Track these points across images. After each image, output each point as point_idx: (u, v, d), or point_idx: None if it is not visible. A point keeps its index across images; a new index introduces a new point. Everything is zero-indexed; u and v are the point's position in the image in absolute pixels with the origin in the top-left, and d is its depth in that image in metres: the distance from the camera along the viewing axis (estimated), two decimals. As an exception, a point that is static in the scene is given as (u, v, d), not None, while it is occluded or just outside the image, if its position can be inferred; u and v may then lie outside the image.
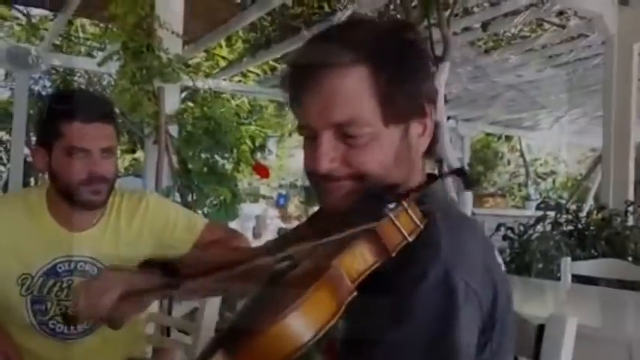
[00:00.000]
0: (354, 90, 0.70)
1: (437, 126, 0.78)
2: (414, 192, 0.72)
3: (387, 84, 0.71)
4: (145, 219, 1.43)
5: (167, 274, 0.89)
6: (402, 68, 0.72)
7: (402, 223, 0.64)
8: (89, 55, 7.31)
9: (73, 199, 1.31)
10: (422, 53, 0.77)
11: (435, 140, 0.78)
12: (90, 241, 1.37)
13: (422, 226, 0.65)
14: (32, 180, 8.46)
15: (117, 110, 1.42)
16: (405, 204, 0.65)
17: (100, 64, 3.00)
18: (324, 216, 0.81)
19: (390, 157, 0.73)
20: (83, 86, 8.10)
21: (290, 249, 0.66)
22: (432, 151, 0.79)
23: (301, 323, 0.55)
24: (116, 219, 1.41)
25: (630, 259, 3.09)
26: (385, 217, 0.63)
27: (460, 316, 0.64)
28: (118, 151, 1.42)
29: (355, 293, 0.61)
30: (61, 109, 1.30)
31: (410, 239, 0.64)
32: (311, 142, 0.74)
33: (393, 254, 0.63)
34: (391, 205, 0.64)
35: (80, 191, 1.30)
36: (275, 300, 0.61)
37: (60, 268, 1.34)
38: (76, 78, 8.22)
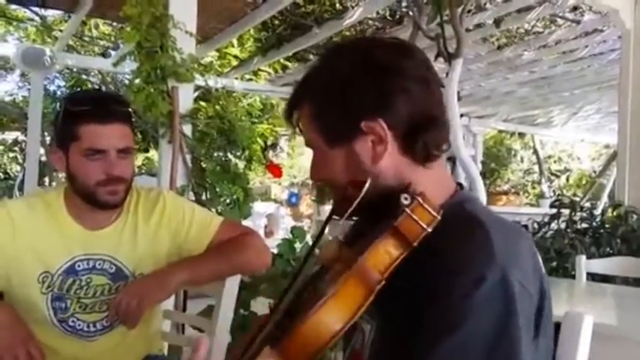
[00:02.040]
0: (304, 121, 0.86)
1: (414, 128, 0.79)
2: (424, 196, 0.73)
3: (319, 116, 0.84)
4: (162, 217, 1.44)
5: None
6: (327, 101, 0.83)
7: (419, 216, 0.69)
8: (103, 55, 7.37)
9: (91, 200, 1.34)
10: (345, 82, 0.80)
11: (417, 132, 0.80)
12: (108, 239, 1.39)
13: (439, 217, 0.70)
14: (47, 179, 8.56)
15: (131, 110, 1.42)
16: (419, 198, 0.70)
17: (115, 65, 3.02)
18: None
19: (340, 172, 0.83)
20: (97, 86, 8.17)
21: (317, 255, 0.75)
22: (416, 142, 0.80)
23: (333, 314, 0.61)
24: (134, 217, 1.43)
25: (647, 257, 3.05)
26: (402, 211, 0.69)
27: (519, 319, 0.67)
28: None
29: (384, 282, 0.66)
30: (77, 111, 1.31)
31: (429, 229, 0.69)
32: None
33: (415, 244, 0.68)
34: (406, 201, 0.69)
35: (98, 192, 1.32)
36: (311, 298, 0.66)
37: (79, 266, 1.37)
38: (90, 78, 8.29)
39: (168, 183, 2.47)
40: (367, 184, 0.76)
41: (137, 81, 2.58)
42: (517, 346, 0.67)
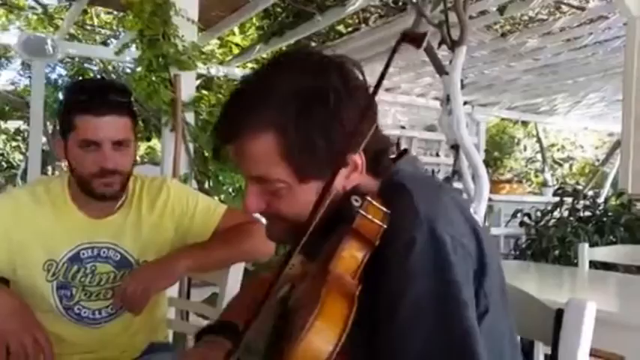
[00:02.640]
0: (263, 153, 0.75)
1: (382, 146, 0.81)
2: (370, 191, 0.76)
3: (293, 148, 0.74)
4: (166, 205, 1.44)
5: (227, 334, 0.93)
6: (309, 131, 0.73)
7: (373, 214, 0.69)
8: (104, 43, 7.35)
9: (88, 191, 1.33)
10: (340, 103, 0.74)
11: (379, 156, 0.80)
12: (112, 227, 1.39)
13: (389, 212, 0.70)
14: (50, 169, 8.58)
15: (133, 99, 1.39)
16: (368, 197, 0.70)
17: (117, 53, 3.02)
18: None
19: (309, 204, 0.72)
20: (99, 75, 8.15)
21: (281, 274, 0.70)
22: (380, 163, 0.81)
23: (324, 333, 0.58)
24: (137, 205, 1.42)
25: (649, 245, 3.05)
26: (356, 214, 0.68)
27: (455, 269, 0.68)
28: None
29: (360, 285, 0.65)
30: (75, 101, 1.30)
31: (384, 225, 0.68)
32: (246, 187, 0.83)
33: (377, 243, 0.68)
34: (357, 203, 0.69)
35: (93, 183, 1.31)
36: (294, 323, 0.63)
37: (83, 254, 1.37)
38: (91, 66, 8.28)
39: (171, 171, 2.48)
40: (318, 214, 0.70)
41: (139, 69, 2.58)
42: (461, 295, 0.67)
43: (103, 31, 7.45)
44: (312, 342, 0.57)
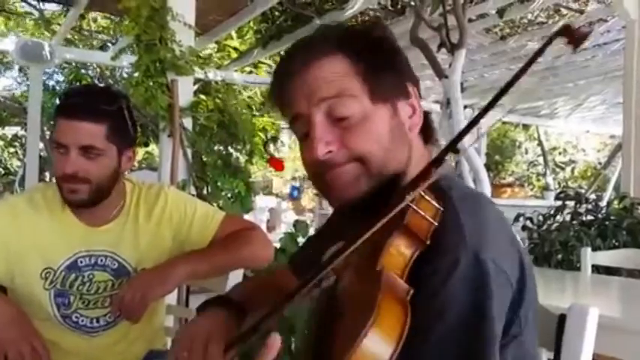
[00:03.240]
0: (335, 70, 0.75)
1: (427, 113, 0.82)
2: (422, 179, 0.69)
3: (366, 67, 0.75)
4: (164, 212, 1.43)
5: (232, 311, 0.91)
6: (376, 54, 0.77)
7: (424, 209, 0.64)
8: (101, 48, 7.34)
9: (61, 195, 1.32)
10: (394, 47, 0.81)
11: (428, 125, 0.83)
12: (109, 235, 1.38)
13: (442, 208, 0.65)
14: (48, 175, 8.56)
15: (123, 106, 1.35)
16: (421, 190, 0.64)
17: (113, 58, 3.00)
18: (340, 219, 0.82)
19: (385, 136, 0.74)
20: (96, 80, 8.14)
21: (327, 266, 0.63)
22: (431, 137, 0.83)
23: (380, 340, 0.53)
24: (135, 213, 1.41)
25: (652, 248, 3.02)
26: (407, 208, 0.63)
27: (493, 302, 0.64)
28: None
29: (412, 290, 0.60)
30: (59, 104, 1.32)
31: (436, 223, 0.64)
32: (307, 138, 0.76)
33: (428, 242, 0.63)
34: (409, 195, 0.63)
35: (61, 187, 1.30)
36: (344, 323, 0.58)
37: (81, 262, 1.36)
38: (89, 72, 8.27)
39: (169, 177, 2.46)
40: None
41: (136, 74, 2.56)
42: (492, 329, 0.64)
43: (100, 36, 7.44)
44: (368, 348, 0.52)
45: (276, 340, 0.55)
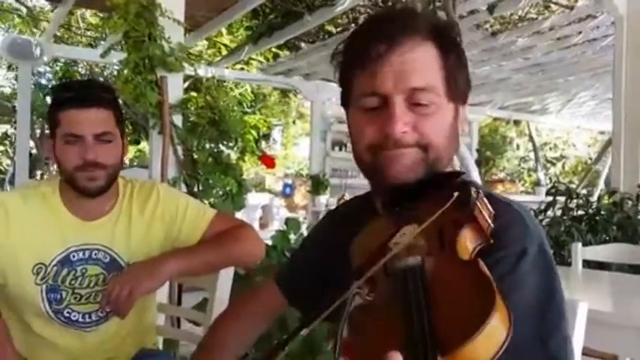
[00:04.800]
0: (429, 61, 0.78)
1: None
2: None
3: (450, 63, 0.79)
4: (156, 208, 1.44)
5: None
6: (459, 54, 0.82)
7: (484, 209, 0.68)
8: (90, 45, 7.28)
9: (74, 186, 1.34)
10: (463, 48, 0.85)
11: None
12: (102, 229, 1.39)
13: (493, 211, 0.69)
14: (38, 173, 8.50)
15: (119, 100, 1.43)
16: (480, 192, 0.69)
17: (102, 55, 2.96)
18: (389, 202, 0.81)
19: (448, 132, 0.80)
20: (86, 77, 8.09)
21: (402, 242, 0.66)
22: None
23: (499, 320, 0.55)
24: (128, 208, 1.43)
25: (642, 243, 3.05)
26: (473, 204, 0.67)
27: (558, 282, 0.73)
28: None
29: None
30: (59, 97, 1.34)
31: (492, 225, 0.68)
32: (376, 112, 0.78)
33: (491, 240, 0.68)
34: (475, 194, 0.68)
35: (77, 177, 1.32)
36: (448, 307, 0.58)
37: (74, 256, 1.36)
38: (78, 69, 8.21)
39: (160, 175, 2.44)
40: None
41: (125, 71, 2.54)
42: (563, 305, 0.73)
43: (89, 33, 7.38)
44: (492, 330, 0.54)
45: (398, 357, 0.52)
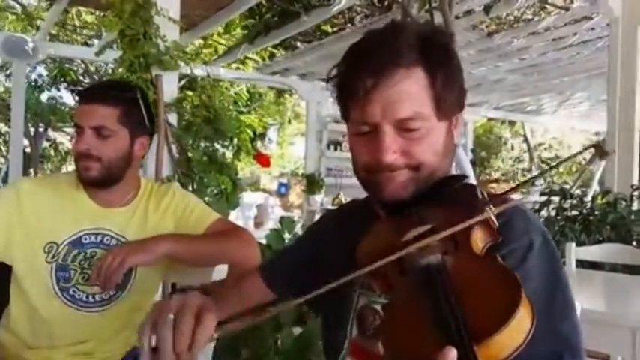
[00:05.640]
0: (416, 89, 0.79)
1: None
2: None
3: (439, 84, 0.80)
4: (170, 204, 1.54)
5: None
6: (449, 69, 0.83)
7: (488, 209, 0.73)
8: (86, 44, 7.25)
9: (78, 173, 1.43)
10: (455, 55, 0.86)
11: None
12: (120, 218, 1.48)
13: (495, 212, 0.73)
14: (32, 172, 8.45)
15: (138, 96, 1.49)
16: (487, 195, 0.75)
17: (97, 54, 2.95)
18: (395, 209, 0.85)
19: (441, 149, 0.83)
20: (81, 76, 8.06)
21: (423, 242, 0.69)
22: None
23: (525, 309, 0.58)
24: (146, 203, 1.52)
25: (635, 243, 3.06)
26: (484, 206, 0.72)
27: (564, 271, 0.78)
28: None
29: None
30: (78, 94, 1.51)
31: (497, 224, 0.73)
32: (368, 137, 0.82)
33: (500, 239, 0.72)
34: (481, 195, 0.74)
35: (77, 166, 1.42)
36: (475, 299, 0.61)
37: (85, 239, 1.44)
38: (73, 67, 8.17)
39: (154, 173, 2.43)
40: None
41: (120, 70, 2.52)
42: (569, 292, 0.76)
43: (85, 31, 7.35)
44: (520, 321, 0.57)
45: (453, 352, 0.54)
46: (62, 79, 8.37)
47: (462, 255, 0.68)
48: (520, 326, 0.57)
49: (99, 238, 1.44)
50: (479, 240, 0.70)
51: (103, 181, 1.42)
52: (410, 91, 0.79)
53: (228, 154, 2.90)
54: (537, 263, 0.76)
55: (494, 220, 0.72)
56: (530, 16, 5.44)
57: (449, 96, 0.82)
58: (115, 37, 2.61)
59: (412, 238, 0.71)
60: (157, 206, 1.53)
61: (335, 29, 5.89)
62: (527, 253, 0.76)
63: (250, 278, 1.06)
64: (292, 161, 13.56)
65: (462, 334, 0.56)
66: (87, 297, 1.43)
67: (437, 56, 0.81)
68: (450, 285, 0.63)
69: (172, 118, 2.56)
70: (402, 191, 0.82)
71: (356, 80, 0.80)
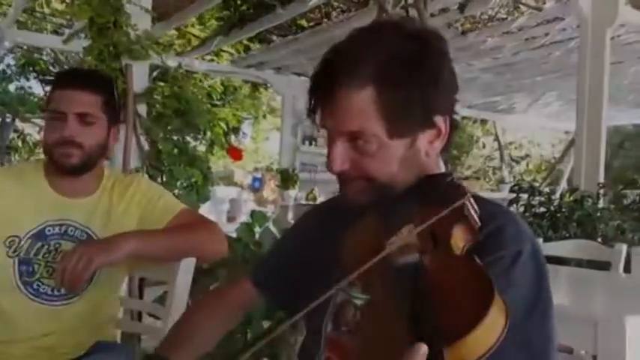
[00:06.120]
0: (362, 107, 0.79)
1: (454, 127, 0.86)
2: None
3: (390, 104, 0.78)
4: (135, 194, 1.52)
5: None
6: (408, 88, 0.79)
7: (472, 208, 0.72)
8: (56, 32, 7.06)
9: (52, 162, 1.40)
10: (437, 72, 0.81)
11: (449, 141, 0.87)
12: (83, 208, 1.45)
13: (487, 212, 0.74)
14: (-2, 163, 8.21)
15: (113, 84, 1.51)
16: (469, 194, 0.72)
17: (65, 42, 2.88)
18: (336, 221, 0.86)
19: (394, 166, 0.82)
20: (51, 65, 7.86)
21: (398, 241, 0.69)
22: (445, 149, 0.88)
23: (498, 311, 0.58)
24: (110, 193, 1.50)
25: (600, 239, 3.14)
26: (463, 204, 0.70)
27: (549, 282, 0.78)
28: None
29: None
30: (54, 79, 1.47)
31: (479, 224, 0.71)
32: (328, 142, 0.85)
33: (480, 238, 0.71)
34: (465, 196, 0.71)
35: (54, 153, 1.38)
36: (448, 298, 0.62)
37: (49, 231, 1.40)
38: (43, 57, 7.96)
39: (122, 165, 2.38)
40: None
41: (89, 58, 2.48)
42: (550, 304, 0.76)
43: (55, 20, 7.16)
44: (492, 321, 0.57)
45: (424, 348, 0.55)
46: (31, 69, 8.17)
47: (440, 255, 0.68)
48: (492, 328, 0.57)
49: (62, 229, 1.41)
50: (459, 239, 0.69)
51: (81, 168, 1.41)
52: (359, 107, 0.79)
53: (201, 148, 2.87)
54: (523, 272, 0.76)
55: (476, 219, 0.72)
56: (504, 16, 5.51)
57: (402, 116, 0.80)
58: (84, 25, 2.56)
59: (392, 238, 0.71)
60: (121, 196, 1.50)
61: (311, 24, 5.87)
62: (515, 261, 0.76)
63: (237, 285, 1.06)
64: (267, 156, 13.50)
65: (433, 334, 0.56)
66: (52, 290, 1.40)
67: (396, 75, 0.78)
68: (425, 284, 0.63)
69: (142, 109, 2.52)
70: (359, 198, 0.84)
71: (314, 92, 0.83)
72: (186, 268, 1.50)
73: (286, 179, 7.34)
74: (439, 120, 0.82)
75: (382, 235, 0.73)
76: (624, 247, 2.36)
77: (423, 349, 0.55)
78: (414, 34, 0.81)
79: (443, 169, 0.90)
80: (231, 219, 7.34)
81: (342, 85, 0.79)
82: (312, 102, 0.85)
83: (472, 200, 0.72)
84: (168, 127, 2.56)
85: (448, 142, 0.86)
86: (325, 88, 0.81)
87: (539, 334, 0.75)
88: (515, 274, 0.75)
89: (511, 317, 0.66)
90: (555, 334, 0.77)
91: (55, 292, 1.40)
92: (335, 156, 0.82)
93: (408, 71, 0.79)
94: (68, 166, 1.39)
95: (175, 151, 2.56)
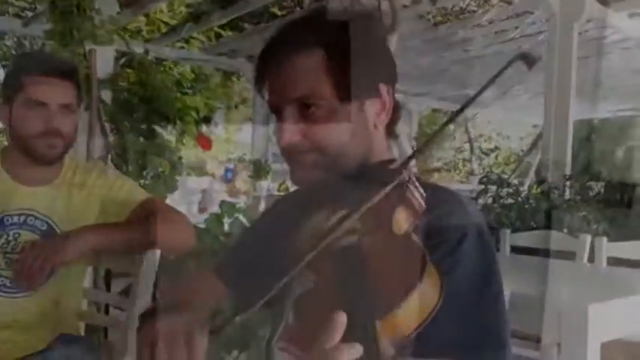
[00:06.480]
0: (309, 69, 0.80)
1: (397, 106, 0.88)
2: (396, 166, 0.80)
3: (339, 66, 0.80)
4: (96, 182, 1.49)
5: None
6: (355, 54, 0.80)
7: (415, 191, 0.72)
8: (18, 15, 6.80)
9: (30, 152, 1.36)
10: (377, 44, 0.87)
11: (394, 120, 0.88)
12: (44, 197, 1.41)
13: (423, 193, 0.74)
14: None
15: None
16: (412, 176, 0.73)
17: (25, 25, 2.78)
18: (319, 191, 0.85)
19: (346, 132, 0.82)
20: (14, 50, 7.60)
21: (344, 222, 0.69)
22: (392, 130, 0.90)
23: (430, 285, 0.60)
24: (70, 180, 1.46)
25: (566, 230, 3.21)
26: (405, 186, 0.71)
27: (497, 261, 0.79)
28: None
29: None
30: (24, 63, 1.42)
31: (424, 205, 0.72)
32: (278, 117, 0.85)
33: (429, 221, 0.72)
34: (406, 177, 0.72)
35: (36, 144, 1.35)
36: (383, 277, 0.64)
37: (7, 220, 1.37)
38: (6, 42, 7.68)
39: (85, 153, 2.31)
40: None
41: (51, 42, 2.40)
42: (501, 288, 0.78)
43: (17, 3, 6.90)
44: (424, 291, 0.59)
45: (342, 317, 0.57)
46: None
47: (380, 236, 0.70)
48: (422, 302, 0.59)
49: (22, 218, 1.37)
50: (402, 220, 0.70)
51: (61, 158, 1.41)
52: (309, 69, 0.80)
53: (170, 137, 2.81)
54: (469, 255, 0.77)
55: (421, 202, 0.73)
56: (474, 8, 5.55)
57: (353, 79, 0.81)
58: (46, 8, 2.47)
59: (335, 223, 0.72)
60: (82, 184, 1.47)
61: (283, 12, 5.80)
62: (461, 241, 0.77)
63: (202, 278, 1.05)
64: (240, 147, 13.38)
65: (365, 310, 0.59)
66: (11, 282, 1.36)
67: (339, 39, 0.80)
68: (362, 264, 0.65)
69: (106, 95, 2.45)
70: (309, 176, 0.84)
71: (261, 64, 0.84)
72: (151, 260, 1.47)
73: (258, 170, 7.29)
74: (383, 89, 0.84)
75: (329, 220, 0.74)
76: (589, 238, 2.42)
77: (342, 317, 0.56)
78: (357, 12, 0.86)
79: (395, 154, 0.92)
80: (202, 210, 7.23)
81: (292, 50, 0.81)
82: (261, 71, 0.85)
83: (417, 184, 0.73)
84: (134, 115, 2.49)
85: (393, 117, 0.88)
86: (276, 55, 0.82)
87: (493, 310, 0.77)
88: (460, 253, 0.76)
89: (461, 293, 0.71)
90: (508, 315, 0.79)
91: (15, 284, 1.36)
92: (285, 127, 0.82)
93: (354, 38, 0.81)
94: (51, 157, 1.38)
95: (142, 139, 2.50)
